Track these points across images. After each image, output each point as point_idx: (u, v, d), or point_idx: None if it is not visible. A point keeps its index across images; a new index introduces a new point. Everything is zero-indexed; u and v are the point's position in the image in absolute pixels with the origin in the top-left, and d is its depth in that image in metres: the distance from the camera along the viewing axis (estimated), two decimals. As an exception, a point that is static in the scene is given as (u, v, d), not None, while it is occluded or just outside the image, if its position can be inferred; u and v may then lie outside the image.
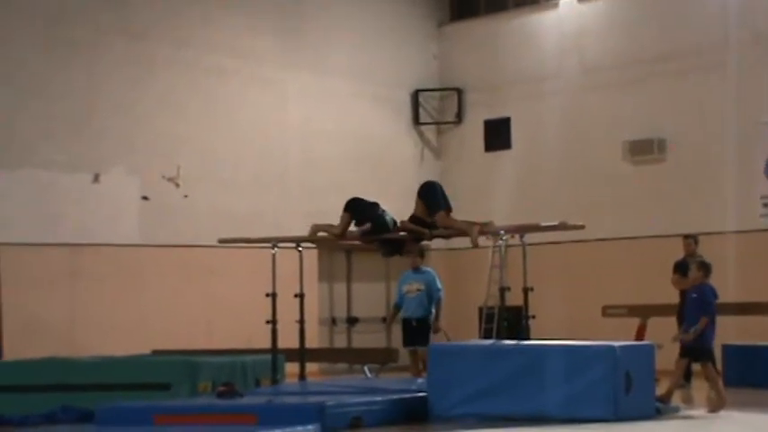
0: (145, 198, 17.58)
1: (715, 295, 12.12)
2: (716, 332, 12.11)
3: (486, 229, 11.67)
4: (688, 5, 18.81)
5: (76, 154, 16.97)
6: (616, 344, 10.42)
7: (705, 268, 12.22)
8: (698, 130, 18.38)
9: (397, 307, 14.62)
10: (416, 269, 14.53)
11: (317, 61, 19.79)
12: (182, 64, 18.08)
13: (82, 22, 17.16)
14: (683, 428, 10.33)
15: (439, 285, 14.48)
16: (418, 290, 14.31)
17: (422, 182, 12.40)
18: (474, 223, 11.62)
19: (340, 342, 20.12)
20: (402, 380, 13.22)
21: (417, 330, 14.29)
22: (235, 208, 18.14)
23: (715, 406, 11.35)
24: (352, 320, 20.41)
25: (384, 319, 18.76)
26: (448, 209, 11.75)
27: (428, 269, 14.84)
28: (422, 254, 14.78)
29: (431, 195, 11.80)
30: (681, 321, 14.24)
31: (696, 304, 12.01)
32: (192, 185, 18.03)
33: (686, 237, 14.74)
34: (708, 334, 11.84)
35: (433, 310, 14.34)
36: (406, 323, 14.42)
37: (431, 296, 14.34)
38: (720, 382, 11.92)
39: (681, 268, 14.36)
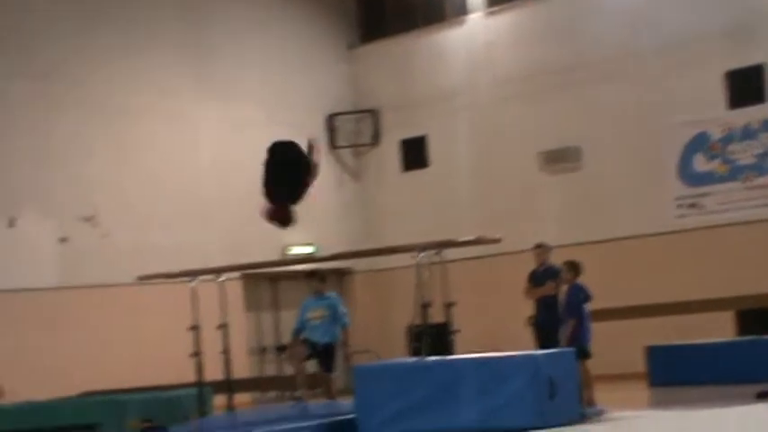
0: (63, 240, 17.40)
1: (586, 295, 12.33)
2: (591, 330, 12.35)
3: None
4: (593, 15, 19.06)
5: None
6: (537, 352, 10.53)
7: (575, 269, 12.43)
8: (611, 136, 18.62)
9: (297, 332, 14.08)
10: (319, 295, 14.09)
11: (228, 91, 19.75)
12: (89, 103, 17.89)
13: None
14: (609, 431, 10.42)
15: (344, 309, 14.08)
16: (322, 316, 13.81)
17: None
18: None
19: (271, 371, 20.03)
20: (331, 403, 13.20)
21: (323, 356, 13.85)
22: (155, 244, 17.97)
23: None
24: (281, 348, 20.30)
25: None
26: None
27: (331, 294, 14.45)
28: (323, 279, 14.35)
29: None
30: (538, 330, 14.01)
31: (567, 306, 12.25)
32: (111, 225, 17.87)
33: (537, 246, 14.17)
34: (580, 334, 12.08)
35: (340, 336, 13.92)
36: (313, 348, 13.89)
37: (336, 321, 13.90)
38: (593, 384, 12.11)
39: (533, 278, 14.20)
